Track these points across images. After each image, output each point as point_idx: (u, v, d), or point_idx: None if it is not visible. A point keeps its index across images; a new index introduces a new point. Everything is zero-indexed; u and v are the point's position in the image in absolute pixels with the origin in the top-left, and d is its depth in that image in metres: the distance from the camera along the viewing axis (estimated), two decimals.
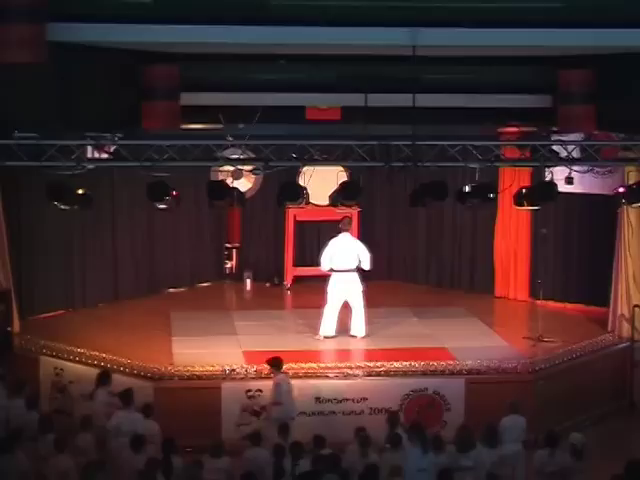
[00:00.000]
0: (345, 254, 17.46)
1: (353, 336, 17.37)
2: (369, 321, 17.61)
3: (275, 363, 14.84)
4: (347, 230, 17.85)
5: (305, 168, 16.12)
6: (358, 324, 17.39)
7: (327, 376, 15.78)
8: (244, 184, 17.75)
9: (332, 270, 17.51)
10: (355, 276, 17.43)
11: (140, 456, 12.21)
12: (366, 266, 17.52)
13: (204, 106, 14.81)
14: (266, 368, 15.55)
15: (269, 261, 21.55)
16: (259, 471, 11.99)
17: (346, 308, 17.48)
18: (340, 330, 17.44)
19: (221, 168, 16.62)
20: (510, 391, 14.95)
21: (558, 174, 15.51)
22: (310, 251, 20.58)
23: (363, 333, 17.36)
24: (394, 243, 21.75)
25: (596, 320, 18.44)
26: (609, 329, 17.97)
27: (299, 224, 20.94)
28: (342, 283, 17.36)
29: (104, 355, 16.12)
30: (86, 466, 11.82)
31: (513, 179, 17.43)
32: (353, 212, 19.81)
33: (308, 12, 12.12)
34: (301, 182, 16.00)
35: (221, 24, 11.97)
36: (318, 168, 15.28)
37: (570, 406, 15.96)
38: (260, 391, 15.40)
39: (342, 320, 17.51)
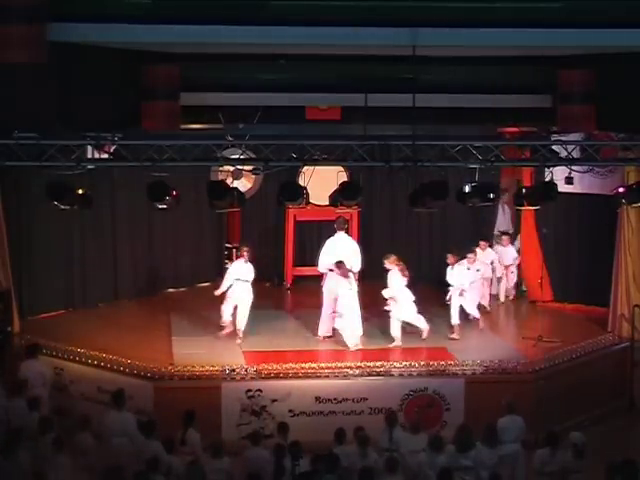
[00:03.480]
0: (339, 254, 17.44)
1: None
2: (369, 320, 17.61)
3: (30, 350, 15.35)
4: (342, 230, 17.85)
5: (305, 168, 16.12)
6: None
7: (327, 376, 15.78)
8: (244, 184, 17.76)
9: (328, 270, 17.53)
10: (349, 276, 17.40)
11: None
12: (356, 268, 17.49)
13: (204, 106, 14.82)
14: (266, 368, 15.60)
15: (269, 261, 21.53)
16: (259, 471, 12.00)
17: None
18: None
19: (221, 168, 16.62)
20: (510, 391, 14.93)
21: (558, 174, 15.52)
22: (310, 251, 20.56)
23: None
24: (394, 243, 21.72)
25: (596, 320, 18.45)
26: (609, 329, 17.98)
27: (299, 224, 20.94)
28: (337, 282, 17.35)
29: (104, 355, 16.13)
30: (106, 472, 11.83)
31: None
32: (353, 212, 19.82)
33: (308, 12, 12.14)
34: (301, 182, 16.00)
35: (221, 24, 11.98)
36: (318, 168, 15.28)
37: (570, 406, 15.96)
38: (260, 391, 15.41)
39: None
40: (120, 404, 13.60)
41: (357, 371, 15.91)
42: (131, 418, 13.42)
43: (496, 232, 20.38)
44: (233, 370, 15.68)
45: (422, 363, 16.08)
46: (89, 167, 14.16)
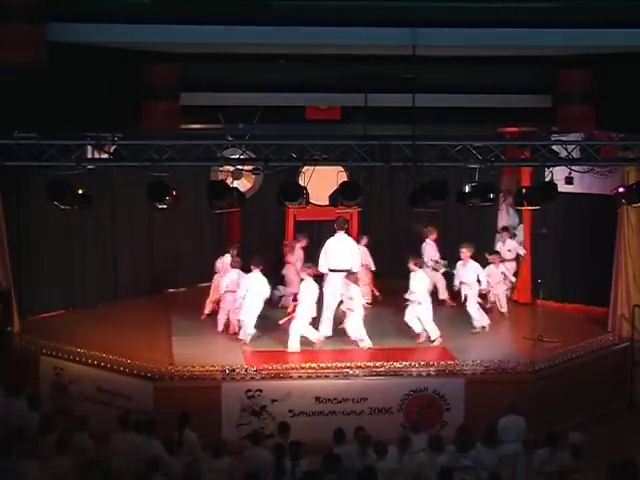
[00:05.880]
0: (340, 254, 17.45)
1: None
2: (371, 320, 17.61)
3: None
4: (342, 230, 17.84)
5: (305, 168, 16.11)
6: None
7: (327, 376, 15.79)
8: (244, 184, 17.75)
9: (328, 270, 17.52)
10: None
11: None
12: (356, 268, 17.49)
13: (204, 106, 14.81)
14: (266, 368, 15.59)
15: (269, 261, 21.49)
16: (259, 471, 12.00)
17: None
18: (340, 330, 17.44)
19: (221, 168, 16.61)
20: (510, 391, 14.95)
21: (558, 174, 15.51)
22: (310, 251, 20.54)
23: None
24: (394, 243, 21.73)
25: (596, 320, 18.46)
26: (609, 329, 18.00)
27: (299, 224, 20.92)
28: (337, 283, 17.34)
29: (104, 355, 16.13)
30: (84, 467, 11.81)
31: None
32: (353, 212, 19.81)
33: (308, 12, 12.13)
34: (301, 182, 15.99)
35: (221, 24, 11.98)
36: (318, 168, 15.28)
37: (570, 406, 15.97)
38: (260, 391, 15.42)
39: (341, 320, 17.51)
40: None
41: (357, 371, 15.91)
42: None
43: (499, 230, 20.32)
44: (233, 370, 15.69)
45: (422, 363, 16.09)
46: (89, 167, 14.16)
